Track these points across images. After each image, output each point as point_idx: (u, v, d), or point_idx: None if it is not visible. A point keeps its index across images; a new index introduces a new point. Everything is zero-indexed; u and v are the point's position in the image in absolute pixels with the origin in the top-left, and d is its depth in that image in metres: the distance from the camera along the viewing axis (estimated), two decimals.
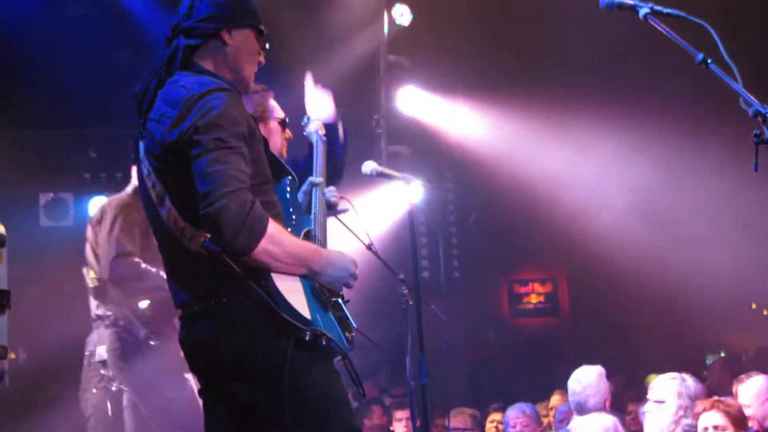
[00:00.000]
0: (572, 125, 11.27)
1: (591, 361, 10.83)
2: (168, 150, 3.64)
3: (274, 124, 5.20)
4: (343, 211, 4.94)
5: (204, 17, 3.88)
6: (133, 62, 11.03)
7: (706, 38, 3.68)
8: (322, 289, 3.72)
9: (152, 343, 6.72)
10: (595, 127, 11.12)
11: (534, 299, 14.39)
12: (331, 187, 4.77)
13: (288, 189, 4.06)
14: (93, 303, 7.03)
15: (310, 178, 4.58)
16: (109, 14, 10.68)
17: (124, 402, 6.99)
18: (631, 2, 3.99)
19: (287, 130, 5.25)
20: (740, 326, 13.14)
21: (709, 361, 12.87)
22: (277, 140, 5.18)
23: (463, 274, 12.62)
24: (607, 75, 10.89)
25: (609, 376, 7.94)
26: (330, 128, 5.13)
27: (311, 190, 4.50)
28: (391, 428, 9.44)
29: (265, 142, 3.93)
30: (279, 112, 5.22)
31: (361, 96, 10.64)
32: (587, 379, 7.40)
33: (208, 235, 3.52)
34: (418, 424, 6.94)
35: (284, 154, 5.20)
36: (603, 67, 10.72)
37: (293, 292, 3.59)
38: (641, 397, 8.14)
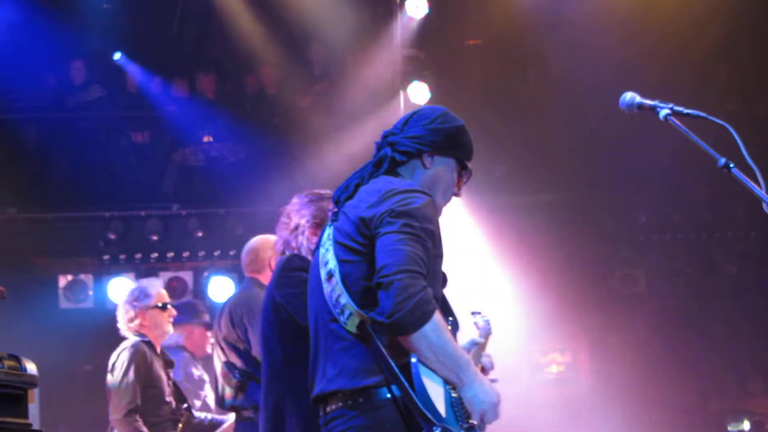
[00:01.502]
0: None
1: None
2: (356, 228, 3.76)
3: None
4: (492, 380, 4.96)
5: (412, 136, 4.00)
6: (150, 145, 11.15)
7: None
8: (461, 406, 3.67)
9: None
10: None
11: (555, 369, 14.30)
12: (490, 356, 4.76)
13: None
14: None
15: (474, 339, 4.61)
16: (127, 98, 10.81)
17: None
18: (651, 103, 4.01)
19: None
20: (763, 392, 13.00)
21: (731, 428, 12.72)
22: None
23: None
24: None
25: None
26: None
27: (470, 348, 4.54)
28: None
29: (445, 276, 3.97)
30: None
31: None
32: None
33: (367, 316, 3.59)
34: None
35: None
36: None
37: (434, 390, 3.58)
38: None
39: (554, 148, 11.26)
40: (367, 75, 10.64)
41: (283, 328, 5.06)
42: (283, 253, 5.40)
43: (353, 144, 10.41)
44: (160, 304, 7.22)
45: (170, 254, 11.67)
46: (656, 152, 10.54)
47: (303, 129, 10.75)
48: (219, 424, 7.41)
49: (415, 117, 4.09)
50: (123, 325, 7.15)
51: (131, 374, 6.89)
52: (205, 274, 11.44)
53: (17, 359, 2.99)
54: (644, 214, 12.75)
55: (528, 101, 10.81)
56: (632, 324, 12.32)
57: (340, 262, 3.77)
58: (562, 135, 11.17)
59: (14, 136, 10.53)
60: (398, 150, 3.98)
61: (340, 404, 3.71)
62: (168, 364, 7.25)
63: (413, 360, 3.57)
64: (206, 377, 8.02)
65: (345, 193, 3.98)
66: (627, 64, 10.15)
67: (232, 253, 11.38)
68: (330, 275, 3.79)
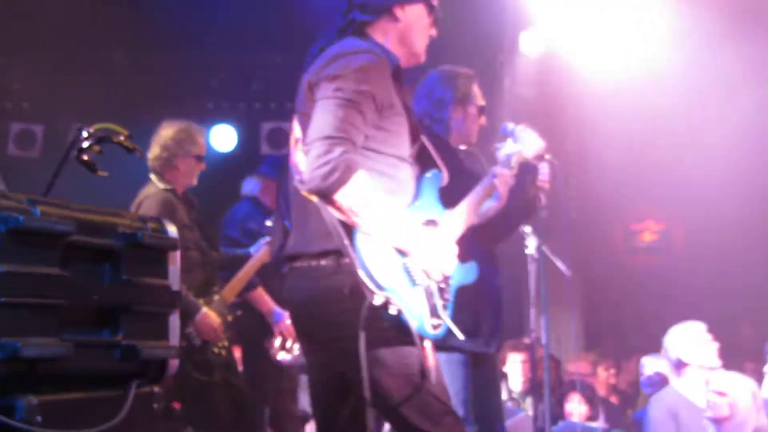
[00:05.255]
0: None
1: (706, 307, 10.69)
2: (305, 94, 3.77)
3: (472, 110, 5.35)
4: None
5: None
6: None
7: None
8: (416, 268, 3.70)
9: None
10: None
11: (648, 237, 14.23)
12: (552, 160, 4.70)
13: (428, 176, 4.03)
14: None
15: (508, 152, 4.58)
16: None
17: None
18: None
19: (482, 117, 5.46)
20: None
21: None
22: (472, 125, 5.42)
23: (580, 213, 12.46)
24: None
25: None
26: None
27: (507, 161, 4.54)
28: (504, 370, 9.45)
29: (416, 128, 3.96)
30: (479, 99, 5.39)
31: (484, 35, 10.52)
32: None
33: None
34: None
35: (473, 139, 5.37)
36: None
37: (380, 255, 3.58)
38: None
39: None
40: None
41: None
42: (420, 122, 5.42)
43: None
44: (202, 155, 6.82)
45: (273, 104, 11.69)
46: None
47: None
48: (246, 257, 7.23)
49: None
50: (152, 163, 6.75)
51: None
52: None
53: (160, 222, 3.04)
54: None
55: None
56: (732, 198, 12.11)
57: (302, 128, 3.77)
58: None
59: None
60: (369, 11, 3.95)
61: (298, 264, 3.74)
62: (191, 206, 6.87)
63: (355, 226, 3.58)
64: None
65: (309, 58, 3.94)
66: None
67: None
68: (296, 141, 3.82)
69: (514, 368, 9.43)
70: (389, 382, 3.62)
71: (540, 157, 5.33)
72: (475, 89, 5.47)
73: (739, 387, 6.75)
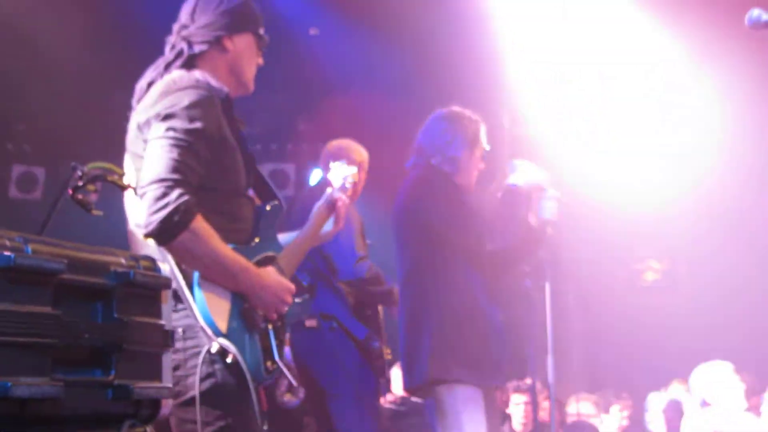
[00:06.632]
0: None
1: (710, 346, 10.64)
2: (135, 134, 3.76)
3: (478, 153, 5.43)
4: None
5: (205, 24, 3.98)
6: None
7: None
8: (251, 313, 3.67)
9: None
10: None
11: (650, 276, 14.14)
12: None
13: (267, 210, 4.03)
14: None
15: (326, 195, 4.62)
16: None
17: None
18: None
19: (483, 162, 5.63)
20: None
21: None
22: (475, 168, 5.57)
23: (581, 252, 12.45)
24: None
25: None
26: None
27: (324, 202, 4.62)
28: (507, 411, 9.43)
29: (251, 158, 3.99)
30: (485, 144, 5.47)
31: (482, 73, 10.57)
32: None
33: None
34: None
35: (473, 181, 5.49)
36: None
37: (219, 301, 3.56)
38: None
39: None
40: None
41: (418, 234, 5.18)
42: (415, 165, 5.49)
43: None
44: None
45: (274, 146, 11.72)
46: None
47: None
48: None
49: (201, 4, 4.04)
50: None
51: None
52: (308, 166, 11.51)
53: (152, 261, 3.04)
54: None
55: None
56: (737, 236, 12.07)
57: (135, 170, 3.73)
58: None
59: None
60: (197, 42, 3.94)
61: None
62: None
63: (195, 271, 3.54)
64: None
65: (139, 95, 3.92)
66: None
67: None
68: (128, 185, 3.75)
69: (517, 410, 9.40)
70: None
71: (541, 191, 5.37)
72: (483, 133, 5.54)
73: (734, 425, 6.75)
